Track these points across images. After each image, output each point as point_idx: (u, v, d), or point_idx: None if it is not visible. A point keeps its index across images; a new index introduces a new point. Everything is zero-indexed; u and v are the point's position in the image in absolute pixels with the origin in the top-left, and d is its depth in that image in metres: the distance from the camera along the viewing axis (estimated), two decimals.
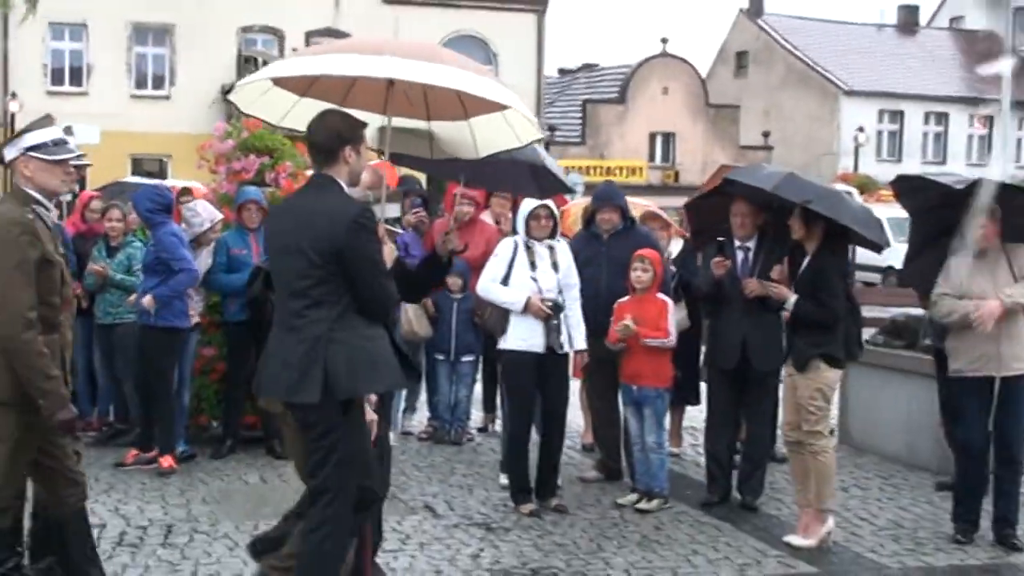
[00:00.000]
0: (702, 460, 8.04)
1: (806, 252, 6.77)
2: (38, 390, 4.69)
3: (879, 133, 46.57)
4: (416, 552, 6.40)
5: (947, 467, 7.61)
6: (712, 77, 48.08)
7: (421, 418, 9.63)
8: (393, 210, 8.77)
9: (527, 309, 7.15)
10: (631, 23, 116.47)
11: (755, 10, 50.08)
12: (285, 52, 35.78)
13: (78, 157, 5.10)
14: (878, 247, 6.93)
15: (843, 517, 7.19)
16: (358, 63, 5.19)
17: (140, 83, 35.21)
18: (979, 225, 6.53)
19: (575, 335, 7.25)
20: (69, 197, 11.02)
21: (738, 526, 7.07)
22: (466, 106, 5.63)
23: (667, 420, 7.99)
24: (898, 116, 47.42)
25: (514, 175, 7.39)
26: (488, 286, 7.32)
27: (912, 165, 41.49)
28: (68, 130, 14.55)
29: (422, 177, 10.37)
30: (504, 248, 7.39)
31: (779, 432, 7.36)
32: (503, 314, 7.28)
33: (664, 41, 43.15)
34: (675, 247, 8.73)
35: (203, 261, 8.43)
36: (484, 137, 5.83)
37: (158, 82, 35.33)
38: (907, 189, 7.22)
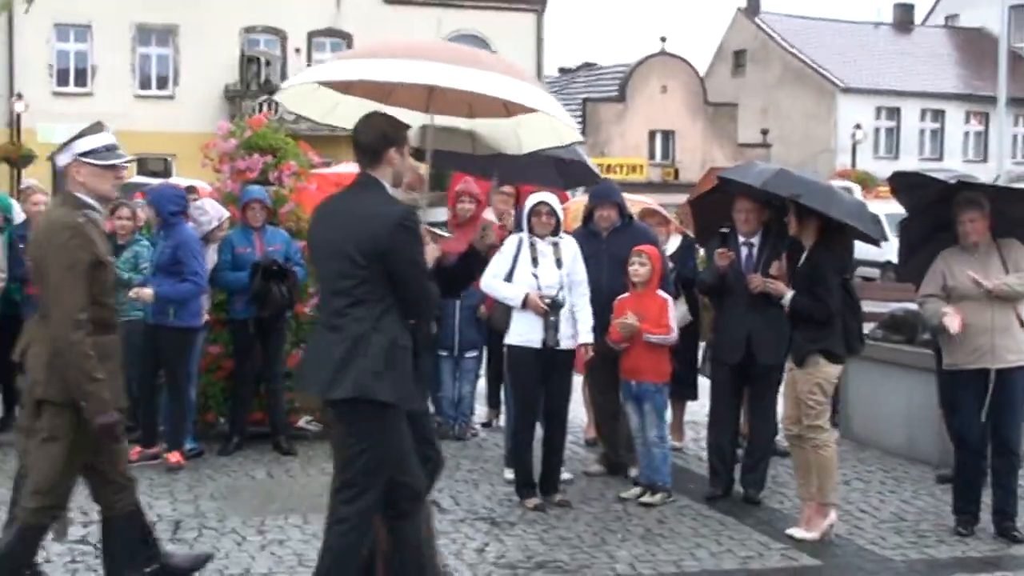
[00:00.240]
0: (704, 454, 8.08)
1: (804, 248, 6.82)
2: (81, 391, 4.74)
3: (876, 130, 46.64)
4: None
5: (948, 460, 7.64)
6: (710, 75, 48.13)
7: None
8: (442, 214, 8.82)
9: (526, 305, 7.22)
10: (630, 22, 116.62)
11: (753, 9, 50.14)
12: (287, 52, 35.93)
13: (128, 162, 5.19)
14: (874, 241, 6.97)
15: (845, 510, 7.22)
16: (402, 69, 5.22)
17: (144, 83, 35.34)
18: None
19: (581, 329, 7.28)
20: None
21: (741, 519, 7.10)
22: (508, 107, 5.69)
23: (668, 414, 8.05)
24: (895, 113, 47.47)
25: (541, 169, 7.47)
26: (491, 282, 7.37)
27: (909, 162, 41.45)
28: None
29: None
30: (508, 245, 7.45)
31: (780, 426, 7.40)
32: (507, 310, 7.36)
33: (663, 40, 43.29)
34: (673, 243, 8.77)
35: (209, 258, 8.49)
36: (528, 133, 5.93)
37: (162, 82, 35.47)
38: (905, 186, 7.24)
